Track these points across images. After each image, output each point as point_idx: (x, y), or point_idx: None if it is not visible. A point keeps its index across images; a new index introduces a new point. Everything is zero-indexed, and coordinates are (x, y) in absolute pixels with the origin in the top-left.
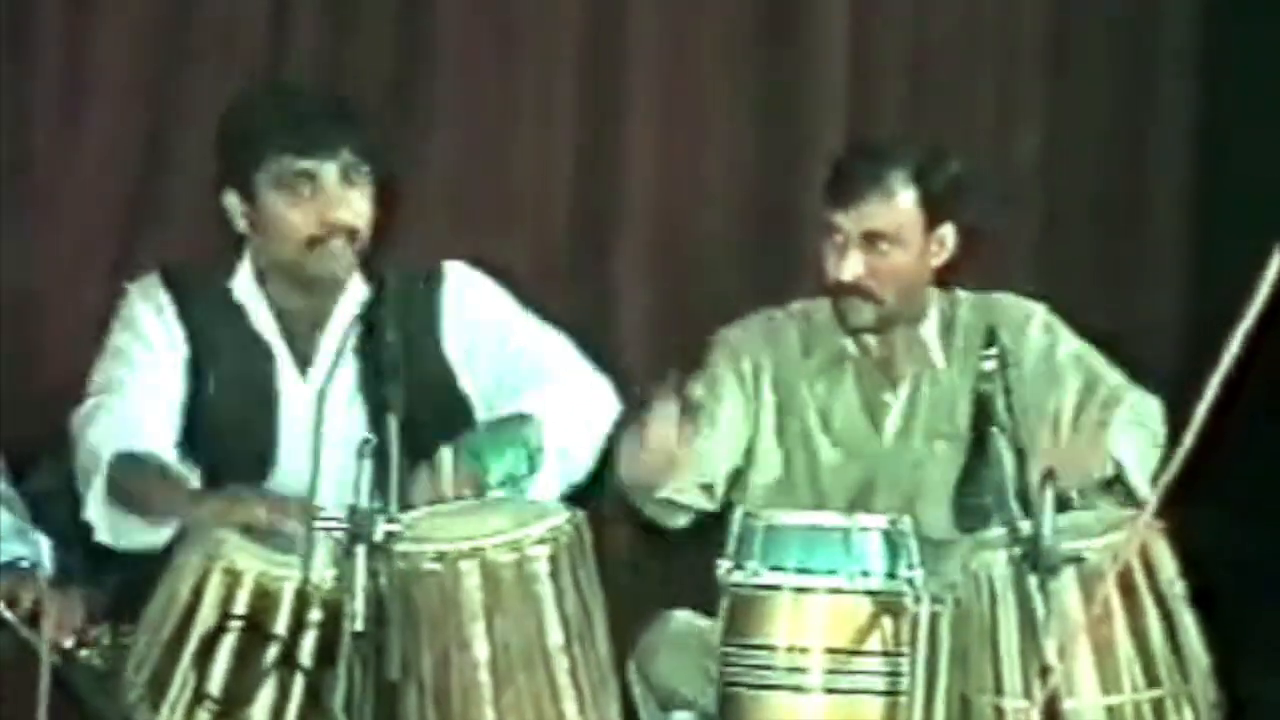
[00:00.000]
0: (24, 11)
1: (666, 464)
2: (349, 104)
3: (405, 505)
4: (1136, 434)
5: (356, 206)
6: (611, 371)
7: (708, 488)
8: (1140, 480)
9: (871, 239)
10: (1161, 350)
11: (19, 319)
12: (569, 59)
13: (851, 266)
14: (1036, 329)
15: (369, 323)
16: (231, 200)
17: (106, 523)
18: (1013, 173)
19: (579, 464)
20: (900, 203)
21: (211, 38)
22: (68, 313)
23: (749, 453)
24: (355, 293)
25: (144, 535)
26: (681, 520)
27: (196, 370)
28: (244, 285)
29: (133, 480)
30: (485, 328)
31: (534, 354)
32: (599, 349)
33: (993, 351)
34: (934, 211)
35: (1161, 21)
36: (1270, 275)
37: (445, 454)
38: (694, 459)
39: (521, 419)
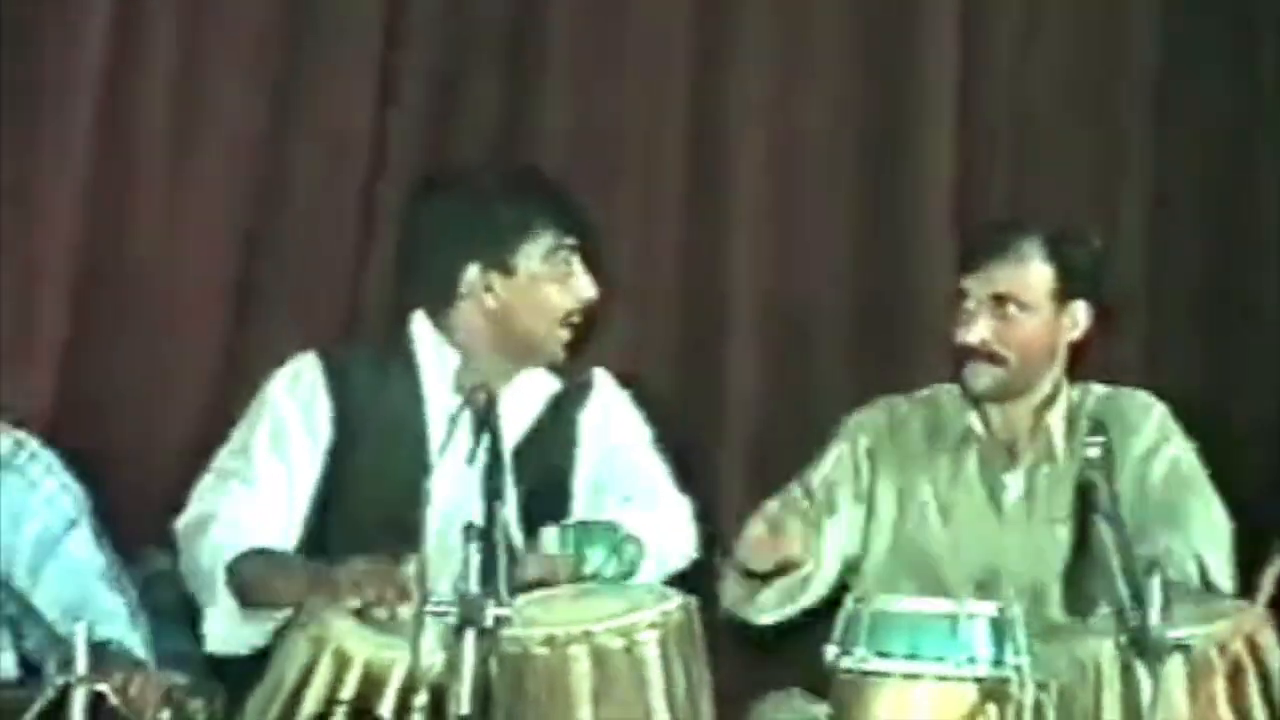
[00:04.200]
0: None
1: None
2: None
3: (515, 585)
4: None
5: None
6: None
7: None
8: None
9: (999, 302)
10: (1266, 417)
11: (129, 412)
12: (673, 151)
13: (977, 329)
14: (1152, 426)
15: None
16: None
17: (229, 631)
18: (1117, 244)
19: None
20: (1030, 268)
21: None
22: (175, 405)
23: (864, 539)
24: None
25: (265, 629)
26: (766, 612)
27: (338, 465)
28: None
29: (257, 574)
30: (613, 448)
31: (638, 475)
32: (706, 439)
33: (1097, 439)
34: (1067, 285)
35: (1260, 85)
36: None
37: (549, 533)
38: (809, 542)
39: (614, 526)
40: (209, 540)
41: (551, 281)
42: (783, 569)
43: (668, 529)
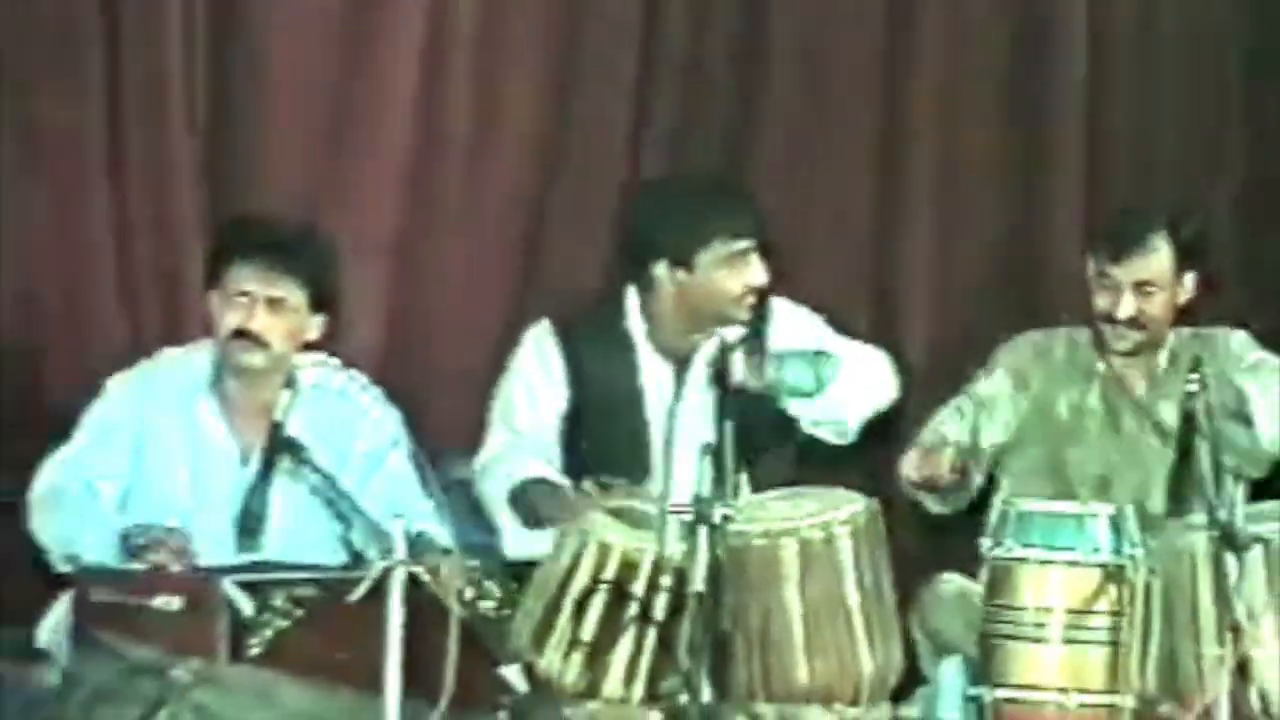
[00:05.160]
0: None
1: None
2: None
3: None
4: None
5: None
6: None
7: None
8: (1262, 415)
9: (1140, 286)
10: None
11: (438, 357)
12: (860, 154)
13: (1126, 307)
14: (1235, 344)
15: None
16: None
17: (520, 542)
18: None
19: (856, 409)
20: (1160, 256)
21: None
22: (475, 352)
23: (1012, 440)
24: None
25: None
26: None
27: (578, 406)
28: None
29: (535, 498)
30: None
31: (837, 340)
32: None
33: (1195, 376)
34: (1182, 259)
35: None
36: None
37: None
38: (963, 456)
39: (819, 351)
40: (492, 478)
41: (727, 277)
42: (933, 484)
43: (866, 358)
